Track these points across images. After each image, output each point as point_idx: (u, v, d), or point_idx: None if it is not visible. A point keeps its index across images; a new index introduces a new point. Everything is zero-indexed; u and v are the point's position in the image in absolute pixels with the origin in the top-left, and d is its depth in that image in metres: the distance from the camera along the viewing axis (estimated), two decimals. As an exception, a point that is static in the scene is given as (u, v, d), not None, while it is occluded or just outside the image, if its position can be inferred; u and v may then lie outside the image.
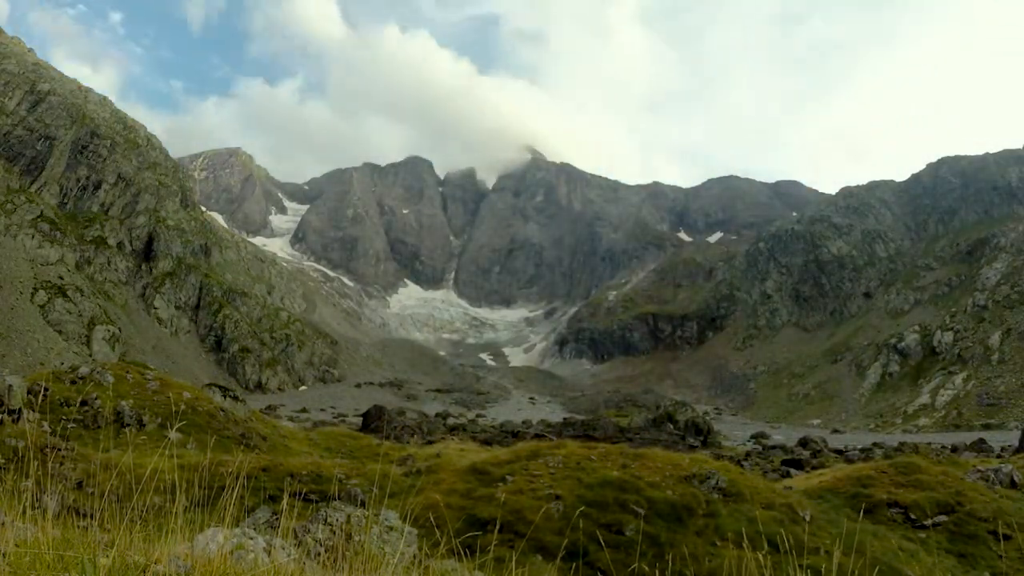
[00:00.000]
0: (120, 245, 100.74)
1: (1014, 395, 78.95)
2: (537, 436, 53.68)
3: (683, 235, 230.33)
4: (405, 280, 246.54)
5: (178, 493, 3.83)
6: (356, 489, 14.47)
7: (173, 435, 19.69)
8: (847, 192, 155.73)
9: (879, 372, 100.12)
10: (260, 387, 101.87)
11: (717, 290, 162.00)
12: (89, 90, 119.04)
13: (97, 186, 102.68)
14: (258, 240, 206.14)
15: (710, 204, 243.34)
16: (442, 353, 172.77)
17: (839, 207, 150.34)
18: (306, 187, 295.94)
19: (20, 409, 15.20)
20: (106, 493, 4.12)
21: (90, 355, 74.91)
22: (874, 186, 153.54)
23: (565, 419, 79.71)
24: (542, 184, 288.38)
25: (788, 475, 32.22)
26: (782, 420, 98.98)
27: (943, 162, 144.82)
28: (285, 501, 7.83)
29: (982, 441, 54.29)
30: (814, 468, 34.85)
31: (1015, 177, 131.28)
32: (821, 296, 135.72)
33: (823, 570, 4.39)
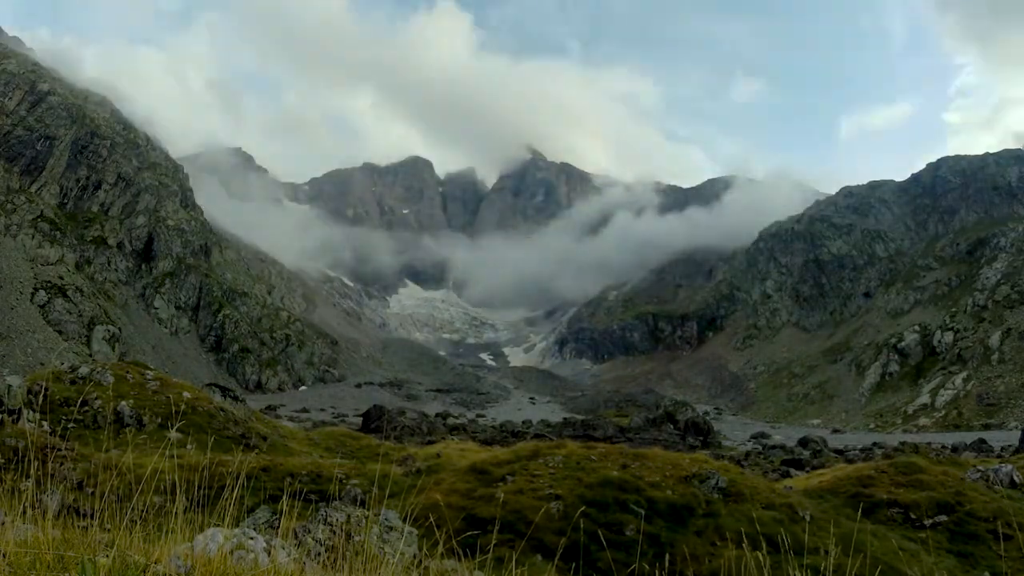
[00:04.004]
0: (120, 245, 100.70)
1: (1014, 395, 78.96)
2: (537, 436, 53.71)
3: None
4: (405, 280, 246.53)
5: (178, 493, 3.83)
6: (356, 489, 14.47)
7: (173, 435, 19.65)
8: (847, 192, 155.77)
9: (879, 372, 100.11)
10: (260, 387, 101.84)
11: (717, 290, 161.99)
12: (89, 90, 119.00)
13: (97, 186, 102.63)
14: (258, 240, 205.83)
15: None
16: (442, 353, 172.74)
17: (839, 207, 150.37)
18: (306, 187, 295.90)
19: (20, 409, 15.20)
20: (106, 493, 4.12)
21: (90, 355, 74.90)
22: (874, 186, 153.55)
23: (565, 419, 79.72)
24: (542, 184, 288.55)
25: (788, 475, 32.26)
26: (782, 420, 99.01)
27: (943, 162, 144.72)
28: (285, 501, 7.83)
29: (982, 441, 54.35)
30: (814, 468, 34.88)
31: (1015, 177, 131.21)
32: (821, 296, 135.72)
33: (823, 570, 4.38)
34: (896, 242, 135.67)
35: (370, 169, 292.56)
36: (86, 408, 21.23)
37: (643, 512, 13.65)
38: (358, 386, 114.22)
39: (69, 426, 19.19)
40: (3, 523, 3.70)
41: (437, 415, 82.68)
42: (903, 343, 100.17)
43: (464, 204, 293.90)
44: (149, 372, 26.65)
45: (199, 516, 4.37)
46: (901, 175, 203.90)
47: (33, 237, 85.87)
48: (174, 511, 3.78)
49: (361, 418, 63.80)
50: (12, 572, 2.95)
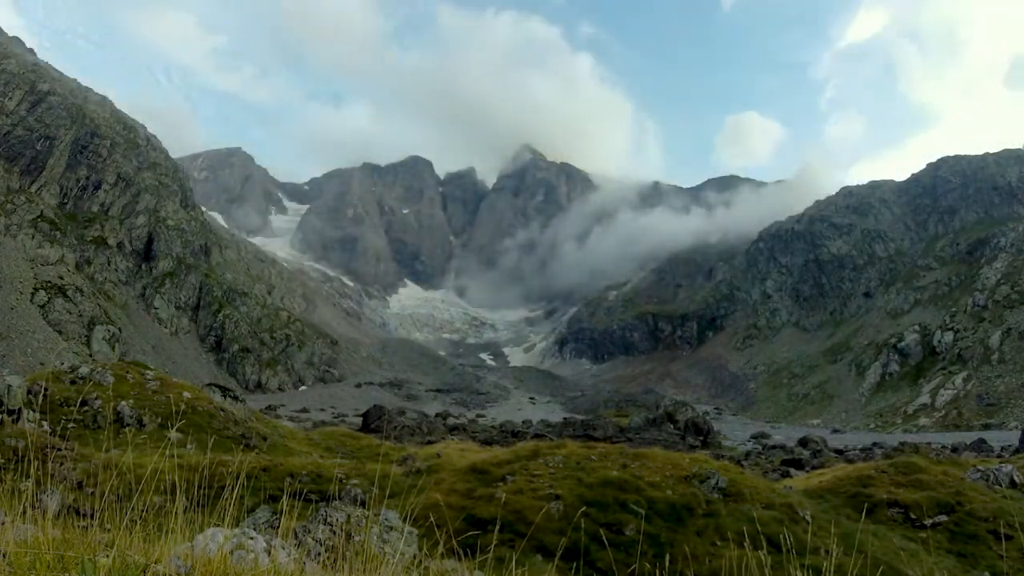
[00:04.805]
0: (120, 245, 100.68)
1: (1014, 395, 78.93)
2: (537, 436, 53.70)
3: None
4: (405, 280, 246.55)
5: (178, 493, 3.82)
6: (356, 489, 14.46)
7: (173, 435, 19.65)
8: (847, 192, 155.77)
9: (879, 372, 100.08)
10: (260, 387, 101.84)
11: (717, 290, 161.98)
12: (89, 90, 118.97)
13: (97, 186, 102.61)
14: (258, 240, 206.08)
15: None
16: (442, 353, 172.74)
17: (839, 207, 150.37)
18: (306, 187, 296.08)
19: (20, 409, 15.20)
20: (106, 493, 4.12)
21: (90, 355, 74.89)
22: (874, 186, 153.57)
23: (565, 419, 79.71)
24: (542, 184, 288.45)
25: (788, 475, 32.26)
26: (782, 420, 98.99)
27: (943, 162, 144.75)
28: (285, 501, 7.83)
29: (982, 441, 54.29)
30: (814, 468, 34.89)
31: (1015, 177, 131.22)
32: (821, 296, 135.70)
33: (823, 570, 4.38)
34: (896, 242, 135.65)
35: (370, 169, 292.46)
36: (86, 408, 21.23)
37: (643, 512, 13.64)
38: (358, 386, 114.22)
39: (69, 426, 19.19)
40: (3, 523, 3.70)
41: (437, 415, 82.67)
42: (903, 343, 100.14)
43: (464, 204, 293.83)
44: (149, 372, 26.65)
45: (199, 516, 4.37)
46: (901, 175, 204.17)
47: (33, 237, 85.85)
48: (174, 511, 3.78)
49: (361, 418, 63.79)
50: (12, 572, 2.95)
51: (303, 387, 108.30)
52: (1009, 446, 48.17)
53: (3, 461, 10.60)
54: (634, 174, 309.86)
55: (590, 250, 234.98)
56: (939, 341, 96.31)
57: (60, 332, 76.55)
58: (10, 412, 14.83)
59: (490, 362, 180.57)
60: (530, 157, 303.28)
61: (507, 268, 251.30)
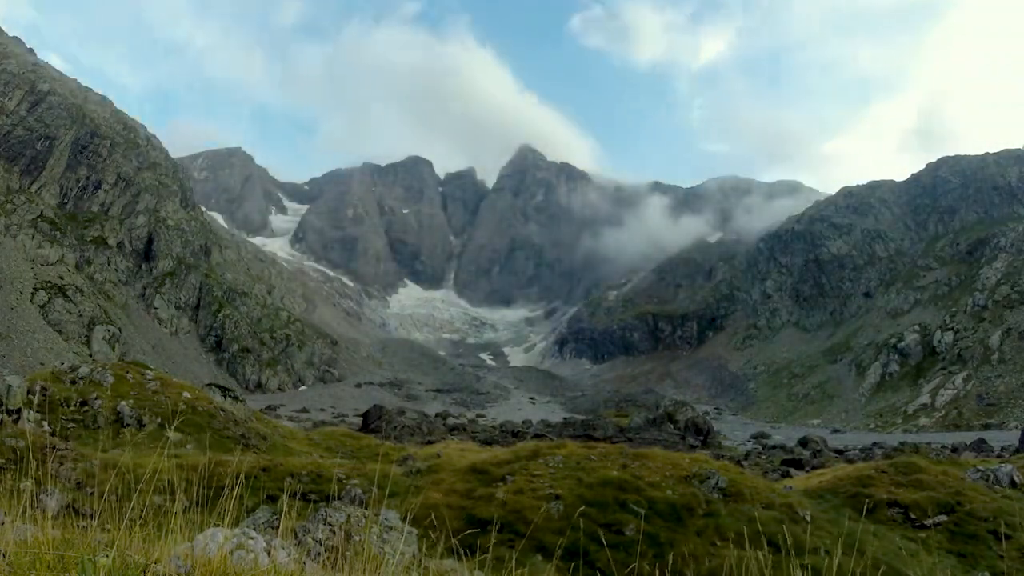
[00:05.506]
0: (120, 245, 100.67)
1: (1014, 395, 78.93)
2: (537, 436, 53.72)
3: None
4: (405, 280, 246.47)
5: (178, 493, 3.83)
6: (356, 489, 14.46)
7: (172, 435, 19.70)
8: (847, 192, 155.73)
9: (879, 372, 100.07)
10: (260, 387, 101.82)
11: (717, 290, 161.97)
12: (89, 90, 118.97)
13: (97, 186, 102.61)
14: (258, 240, 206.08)
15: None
16: (442, 353, 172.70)
17: (839, 207, 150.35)
18: (306, 187, 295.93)
19: (20, 409, 15.20)
20: (106, 493, 4.12)
21: (90, 355, 74.87)
22: (874, 186, 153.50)
23: (565, 419, 79.73)
24: (542, 184, 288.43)
25: (788, 475, 32.27)
26: (782, 420, 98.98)
27: (943, 162, 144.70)
28: (285, 501, 7.83)
29: (982, 441, 54.28)
30: (814, 468, 34.90)
31: (1015, 177, 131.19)
32: (821, 296, 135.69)
33: (823, 570, 4.38)
34: (896, 242, 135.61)
35: (370, 169, 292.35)
36: (86, 408, 21.24)
37: (643, 512, 13.64)
38: (358, 386, 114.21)
39: (69, 426, 19.20)
40: (3, 523, 3.70)
41: (437, 415, 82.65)
42: (903, 343, 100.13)
43: (464, 204, 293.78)
44: (149, 372, 26.65)
45: (199, 516, 4.37)
46: (901, 175, 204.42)
47: (33, 237, 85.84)
48: (174, 511, 3.78)
49: (361, 418, 63.82)
50: (12, 572, 2.95)
51: (303, 387, 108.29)
52: (1009, 446, 48.17)
53: (3, 461, 10.60)
54: (632, 173, 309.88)
55: (590, 250, 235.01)
56: (939, 341, 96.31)
57: (60, 332, 76.55)
58: (10, 412, 14.83)
59: (490, 362, 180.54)
60: (530, 157, 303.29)
61: (507, 268, 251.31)
